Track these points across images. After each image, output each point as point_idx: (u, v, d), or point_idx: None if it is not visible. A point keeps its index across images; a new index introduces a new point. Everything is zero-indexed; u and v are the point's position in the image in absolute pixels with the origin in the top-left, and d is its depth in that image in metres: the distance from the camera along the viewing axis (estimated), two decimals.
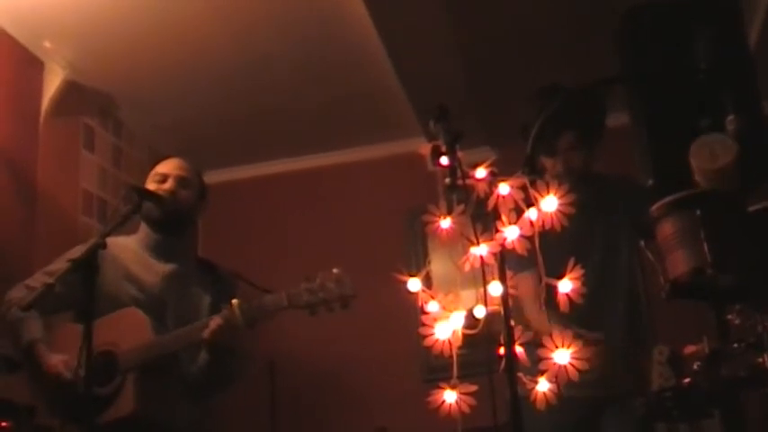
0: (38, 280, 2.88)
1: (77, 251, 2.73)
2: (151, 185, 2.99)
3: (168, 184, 2.99)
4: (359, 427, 4.69)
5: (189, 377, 2.88)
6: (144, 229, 3.05)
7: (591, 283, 1.98)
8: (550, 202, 1.95)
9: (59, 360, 2.75)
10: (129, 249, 3.01)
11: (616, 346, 2.77)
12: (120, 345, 2.77)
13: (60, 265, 2.82)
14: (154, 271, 2.98)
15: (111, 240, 2.80)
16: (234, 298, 2.78)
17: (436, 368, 2.05)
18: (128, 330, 2.78)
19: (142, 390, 2.73)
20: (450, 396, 1.96)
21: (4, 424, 2.93)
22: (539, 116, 2.05)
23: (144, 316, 2.81)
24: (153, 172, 3.06)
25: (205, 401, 2.96)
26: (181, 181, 3.01)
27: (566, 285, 1.94)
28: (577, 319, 2.40)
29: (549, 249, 1.96)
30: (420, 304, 2.05)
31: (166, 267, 3.00)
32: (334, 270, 2.77)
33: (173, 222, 3.00)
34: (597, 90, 2.78)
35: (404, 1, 3.81)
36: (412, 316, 2.53)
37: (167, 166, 3.05)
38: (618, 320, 2.93)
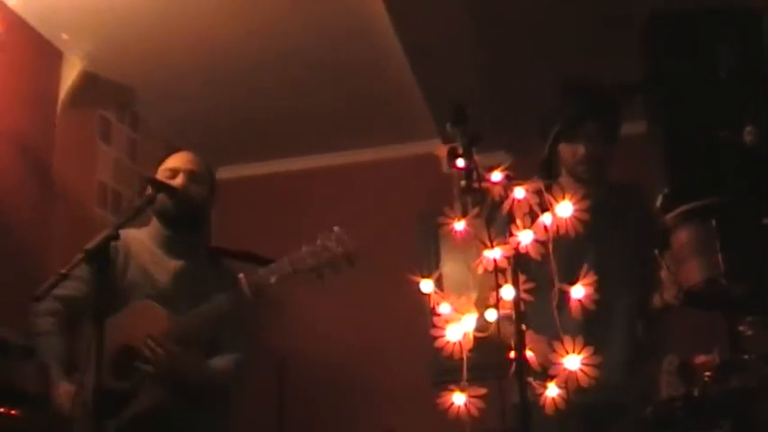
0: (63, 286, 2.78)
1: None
2: None
3: (179, 180, 2.93)
4: (367, 428, 4.69)
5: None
6: (155, 224, 2.99)
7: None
8: (565, 208, 1.95)
9: (65, 391, 2.67)
10: (143, 243, 2.97)
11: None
12: (139, 339, 2.71)
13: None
14: (164, 267, 2.93)
15: (126, 233, 2.76)
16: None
17: (446, 370, 2.05)
18: (146, 324, 2.72)
19: (162, 384, 2.69)
20: (459, 399, 1.96)
21: (13, 412, 2.93)
22: (559, 113, 2.05)
23: (162, 309, 2.76)
24: (162, 167, 2.99)
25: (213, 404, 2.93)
26: (191, 175, 2.95)
27: (578, 291, 1.95)
28: (578, 328, 2.39)
29: (555, 255, 1.96)
30: (432, 306, 2.06)
31: (176, 264, 2.94)
32: (334, 228, 2.70)
33: (185, 218, 2.94)
34: (617, 95, 2.76)
35: (423, 1, 3.81)
36: (423, 317, 2.52)
37: (177, 161, 3.00)
38: (621, 329, 2.90)
